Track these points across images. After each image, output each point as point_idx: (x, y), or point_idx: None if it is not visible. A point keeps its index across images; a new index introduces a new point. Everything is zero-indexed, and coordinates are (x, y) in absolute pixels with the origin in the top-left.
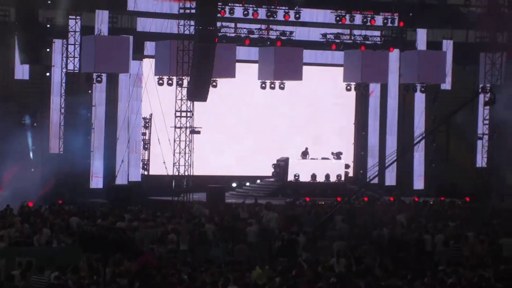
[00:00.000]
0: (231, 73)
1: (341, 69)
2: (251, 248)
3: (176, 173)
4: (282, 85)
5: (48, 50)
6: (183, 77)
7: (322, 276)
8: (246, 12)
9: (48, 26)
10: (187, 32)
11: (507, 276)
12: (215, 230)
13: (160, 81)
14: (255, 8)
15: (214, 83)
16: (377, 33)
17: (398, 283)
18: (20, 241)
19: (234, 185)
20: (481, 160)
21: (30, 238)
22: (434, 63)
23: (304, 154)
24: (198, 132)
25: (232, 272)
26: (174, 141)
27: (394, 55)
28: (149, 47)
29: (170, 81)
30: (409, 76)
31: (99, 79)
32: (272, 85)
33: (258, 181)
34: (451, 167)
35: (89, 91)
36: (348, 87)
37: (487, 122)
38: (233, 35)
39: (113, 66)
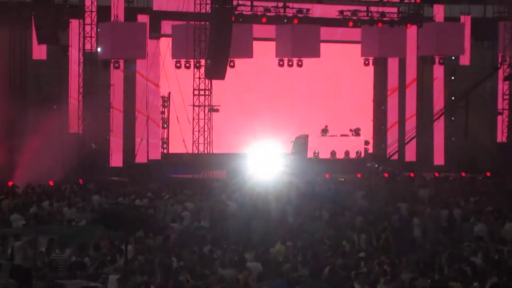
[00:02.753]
0: (248, 53)
1: (359, 45)
2: (272, 224)
3: (196, 151)
4: (300, 63)
5: (64, 30)
6: (201, 60)
7: (344, 253)
8: None
9: (65, 5)
10: (203, 10)
11: None
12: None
13: (178, 64)
14: None
15: (231, 63)
16: (394, 9)
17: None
18: (42, 219)
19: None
20: (501, 135)
21: (50, 216)
22: (452, 35)
23: (324, 131)
24: (217, 110)
25: (252, 249)
26: (193, 119)
27: (411, 31)
28: (166, 26)
29: (187, 64)
30: (428, 48)
31: (116, 65)
32: (290, 63)
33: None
34: (471, 143)
35: (108, 68)
36: (366, 62)
37: (507, 97)
38: (249, 13)
39: (130, 52)
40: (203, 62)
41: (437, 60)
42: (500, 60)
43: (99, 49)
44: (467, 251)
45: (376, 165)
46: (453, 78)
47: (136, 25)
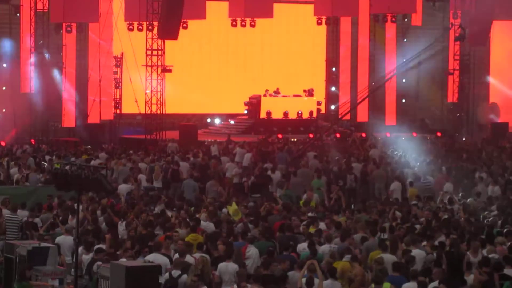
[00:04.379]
0: (201, 14)
1: (312, 6)
2: (226, 184)
3: (148, 112)
4: (253, 23)
5: None
6: (153, 22)
7: (296, 212)
8: None
9: None
10: None
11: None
12: (188, 168)
13: (131, 27)
14: None
15: (184, 25)
16: None
17: (366, 218)
18: None
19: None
20: (451, 96)
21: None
22: None
23: (276, 93)
24: (170, 71)
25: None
26: (146, 79)
27: None
28: None
29: (140, 27)
30: (380, 6)
31: (69, 29)
32: (243, 23)
33: (232, 121)
34: (422, 103)
35: (60, 31)
36: (319, 21)
37: (457, 57)
38: None
39: (82, 16)
40: (156, 24)
41: (389, 18)
42: (451, 20)
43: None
44: (416, 209)
45: (328, 125)
46: (405, 40)
47: None
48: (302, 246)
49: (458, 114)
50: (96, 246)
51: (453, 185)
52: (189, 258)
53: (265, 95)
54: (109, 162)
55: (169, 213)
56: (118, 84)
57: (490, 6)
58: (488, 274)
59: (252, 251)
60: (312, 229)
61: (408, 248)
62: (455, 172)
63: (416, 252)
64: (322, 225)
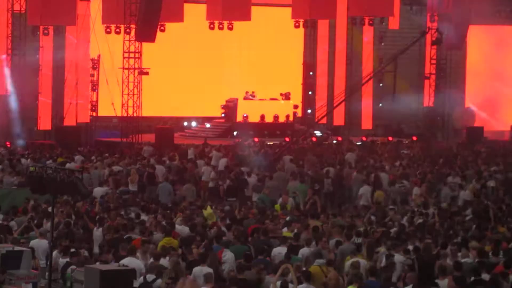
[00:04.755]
0: (179, 17)
1: (289, 9)
2: (201, 188)
3: (125, 115)
4: (230, 26)
5: None
6: (131, 25)
7: (272, 216)
8: None
9: None
10: None
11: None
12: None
13: (108, 30)
14: None
15: (162, 27)
16: None
17: (342, 222)
18: None
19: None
20: (428, 100)
21: None
22: None
23: (252, 96)
24: (147, 73)
25: (180, 212)
26: (123, 82)
27: None
28: None
29: (118, 29)
30: (357, 9)
31: (46, 31)
32: (221, 26)
33: (208, 125)
34: (399, 107)
35: (37, 33)
36: (297, 24)
37: (434, 61)
38: None
39: (60, 19)
40: (133, 27)
41: (366, 21)
42: (428, 24)
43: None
44: (392, 214)
45: (304, 129)
46: (382, 44)
47: None
48: (278, 250)
49: (434, 118)
50: (71, 250)
51: (428, 189)
52: (164, 262)
53: (245, 98)
54: (85, 165)
55: (144, 217)
56: (94, 87)
57: (467, 11)
58: (461, 278)
59: (228, 256)
60: (288, 233)
61: (390, 253)
62: (430, 176)
63: (396, 257)
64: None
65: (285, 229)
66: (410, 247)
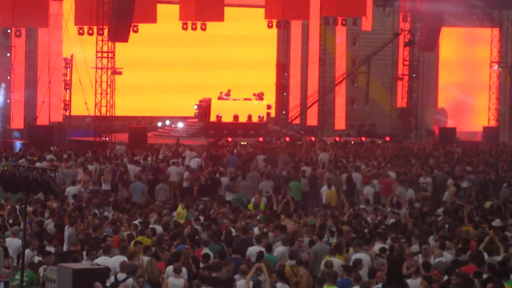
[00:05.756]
0: (152, 18)
1: (263, 10)
2: (174, 187)
3: (98, 114)
4: (203, 26)
5: None
6: (104, 27)
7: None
8: None
9: None
10: None
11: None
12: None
13: (81, 31)
14: None
15: (135, 28)
16: None
17: (313, 221)
18: None
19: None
20: (401, 101)
21: None
22: None
23: (227, 95)
24: (120, 73)
25: (153, 212)
26: (96, 82)
27: None
28: None
29: (90, 31)
30: (330, 9)
31: (18, 33)
32: (194, 26)
33: (180, 125)
34: (372, 108)
35: (8, 31)
36: (270, 24)
37: (407, 63)
38: None
39: (32, 21)
40: (106, 28)
41: (339, 21)
42: (400, 25)
43: None
44: (364, 214)
45: (278, 129)
46: (356, 45)
47: None
48: (254, 250)
49: (407, 119)
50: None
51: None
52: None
53: (219, 98)
54: (58, 164)
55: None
56: (67, 86)
57: (439, 12)
58: (430, 277)
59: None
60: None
61: (356, 252)
62: (402, 176)
63: (362, 255)
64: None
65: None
66: (386, 246)
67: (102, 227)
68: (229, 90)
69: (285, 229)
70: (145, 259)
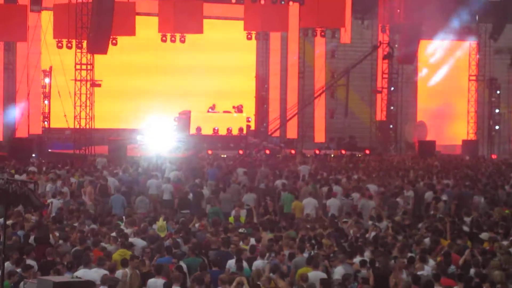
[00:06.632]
0: (130, 31)
1: (242, 22)
2: (154, 200)
3: (78, 126)
4: (182, 39)
5: None
6: (82, 40)
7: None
8: None
9: None
10: None
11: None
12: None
13: (59, 44)
14: None
15: (114, 41)
16: None
17: (294, 234)
18: None
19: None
20: (380, 114)
21: None
22: (333, 8)
23: (212, 109)
24: (99, 85)
25: (133, 225)
26: (75, 94)
27: (294, 7)
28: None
29: (69, 44)
30: (309, 21)
31: None
32: (173, 38)
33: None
34: (351, 121)
35: None
36: (249, 36)
37: (386, 76)
38: None
39: (11, 35)
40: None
41: (318, 33)
42: (379, 38)
43: None
44: (345, 227)
45: (258, 142)
46: (335, 57)
47: (16, 7)
48: (232, 263)
49: (386, 132)
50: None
51: (381, 202)
52: (118, 274)
53: (208, 111)
54: (37, 177)
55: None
56: (46, 98)
57: (418, 25)
58: None
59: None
60: (244, 246)
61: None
62: (383, 189)
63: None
64: (252, 241)
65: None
66: (366, 259)
67: (85, 240)
68: (214, 105)
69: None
70: (125, 272)
